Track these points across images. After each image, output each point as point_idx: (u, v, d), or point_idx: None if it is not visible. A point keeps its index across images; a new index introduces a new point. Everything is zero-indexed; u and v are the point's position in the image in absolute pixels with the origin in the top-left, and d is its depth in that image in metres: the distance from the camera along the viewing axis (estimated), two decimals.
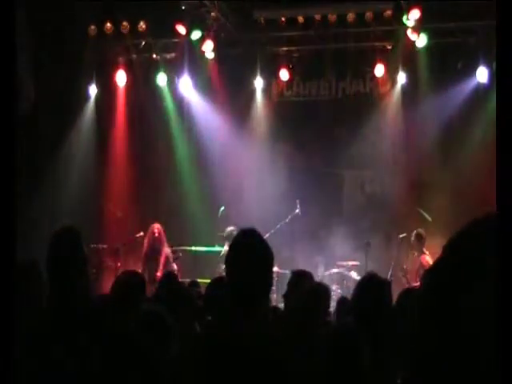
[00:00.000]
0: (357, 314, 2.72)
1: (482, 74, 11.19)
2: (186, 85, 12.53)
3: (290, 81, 12.55)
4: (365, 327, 2.63)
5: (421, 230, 9.92)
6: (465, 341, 0.68)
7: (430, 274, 0.74)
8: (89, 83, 12.71)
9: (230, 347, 2.37)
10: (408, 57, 11.59)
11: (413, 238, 9.89)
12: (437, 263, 0.74)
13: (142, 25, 11.98)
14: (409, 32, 11.21)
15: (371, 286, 2.81)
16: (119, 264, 10.49)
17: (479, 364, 0.66)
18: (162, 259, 10.28)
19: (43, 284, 3.43)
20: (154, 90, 12.68)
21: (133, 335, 2.36)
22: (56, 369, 2.51)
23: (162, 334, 3.00)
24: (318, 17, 11.71)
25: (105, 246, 11.19)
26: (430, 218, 10.62)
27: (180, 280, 5.81)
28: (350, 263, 10.54)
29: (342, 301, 5.36)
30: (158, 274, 9.83)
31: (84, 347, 2.39)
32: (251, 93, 12.54)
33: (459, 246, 0.73)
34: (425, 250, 9.72)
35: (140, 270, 9.21)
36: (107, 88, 12.82)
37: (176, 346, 3.09)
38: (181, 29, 11.77)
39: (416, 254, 9.81)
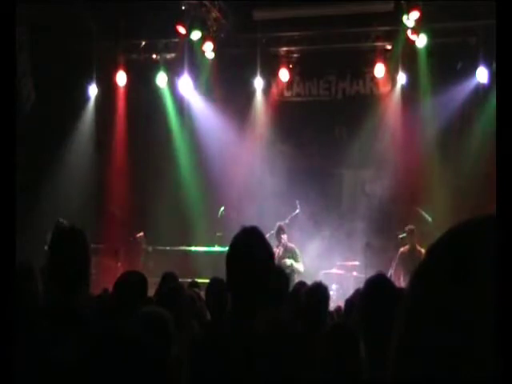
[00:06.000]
0: (364, 313, 2.72)
1: (482, 74, 11.19)
2: (186, 85, 12.53)
3: (290, 81, 12.56)
4: (371, 327, 2.63)
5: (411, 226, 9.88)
6: (449, 345, 0.68)
7: (414, 276, 0.74)
8: (89, 83, 12.72)
9: (230, 347, 2.37)
10: (408, 57, 11.59)
11: (407, 234, 9.82)
12: (420, 265, 0.74)
13: (142, 25, 12.00)
14: (409, 32, 11.22)
15: (380, 285, 2.80)
16: (119, 264, 10.49)
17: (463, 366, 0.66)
18: None
19: (38, 285, 3.43)
20: (154, 90, 12.68)
21: (133, 336, 2.36)
22: (55, 370, 2.51)
23: (163, 336, 3.00)
24: (317, 17, 11.72)
25: (104, 246, 11.19)
26: (429, 218, 10.62)
27: (180, 280, 5.81)
28: (350, 263, 10.54)
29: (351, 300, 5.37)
30: None
31: (84, 348, 2.39)
32: (251, 93, 12.54)
33: (444, 247, 0.74)
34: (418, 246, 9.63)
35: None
36: (107, 88, 12.83)
37: (176, 347, 3.09)
38: (181, 29, 11.78)
39: (409, 246, 9.71)
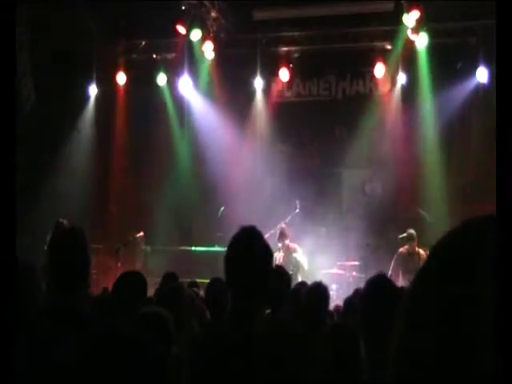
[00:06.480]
0: (364, 313, 2.72)
1: (482, 74, 11.19)
2: (186, 85, 12.54)
3: (290, 81, 12.56)
4: (371, 327, 2.64)
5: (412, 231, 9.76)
6: (449, 345, 0.68)
7: (415, 277, 0.75)
8: (89, 83, 12.72)
9: (230, 347, 2.37)
10: (408, 57, 11.60)
11: (407, 239, 9.73)
12: (422, 266, 0.75)
13: (142, 25, 12.00)
14: (409, 32, 11.22)
15: (380, 285, 2.80)
16: (119, 264, 10.48)
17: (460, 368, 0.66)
18: None
19: (41, 284, 3.43)
20: (154, 90, 12.68)
21: (133, 335, 2.36)
22: (55, 370, 2.51)
23: (163, 336, 3.00)
24: (317, 17, 11.72)
25: (104, 246, 11.19)
26: (429, 219, 10.61)
27: (180, 280, 5.81)
28: (350, 263, 10.54)
29: (349, 300, 5.37)
30: None
31: (84, 348, 2.39)
32: (251, 93, 12.55)
33: (444, 248, 0.74)
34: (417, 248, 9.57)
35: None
36: (107, 88, 12.83)
37: (176, 347, 3.09)
38: (181, 29, 11.78)
39: (408, 247, 9.64)
